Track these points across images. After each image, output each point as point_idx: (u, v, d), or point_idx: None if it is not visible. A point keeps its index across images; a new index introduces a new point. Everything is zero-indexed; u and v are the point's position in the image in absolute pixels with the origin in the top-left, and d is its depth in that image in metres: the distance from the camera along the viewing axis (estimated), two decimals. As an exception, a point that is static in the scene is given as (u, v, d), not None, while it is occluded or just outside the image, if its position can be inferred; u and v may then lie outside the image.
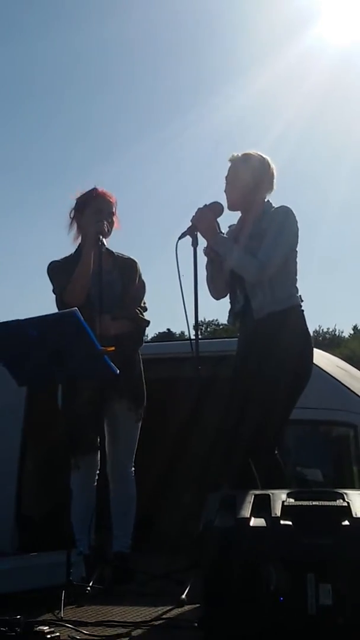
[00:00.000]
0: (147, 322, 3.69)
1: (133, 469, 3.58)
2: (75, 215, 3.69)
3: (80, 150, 79.26)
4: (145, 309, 3.70)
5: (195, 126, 74.41)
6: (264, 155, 3.38)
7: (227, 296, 3.44)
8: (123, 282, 3.65)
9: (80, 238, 3.66)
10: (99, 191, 3.69)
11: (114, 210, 3.67)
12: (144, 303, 3.72)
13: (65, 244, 3.71)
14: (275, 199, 3.38)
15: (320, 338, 50.64)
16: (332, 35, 66.65)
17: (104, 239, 3.52)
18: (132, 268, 3.72)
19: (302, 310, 3.27)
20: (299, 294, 3.28)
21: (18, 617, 2.42)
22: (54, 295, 3.60)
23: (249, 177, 3.32)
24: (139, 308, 3.66)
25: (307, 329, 3.28)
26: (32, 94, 76.94)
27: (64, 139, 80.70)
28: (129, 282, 3.68)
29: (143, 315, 3.67)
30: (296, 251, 3.31)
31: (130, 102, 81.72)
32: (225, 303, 3.45)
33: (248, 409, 3.15)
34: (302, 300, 3.28)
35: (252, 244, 3.25)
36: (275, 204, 3.35)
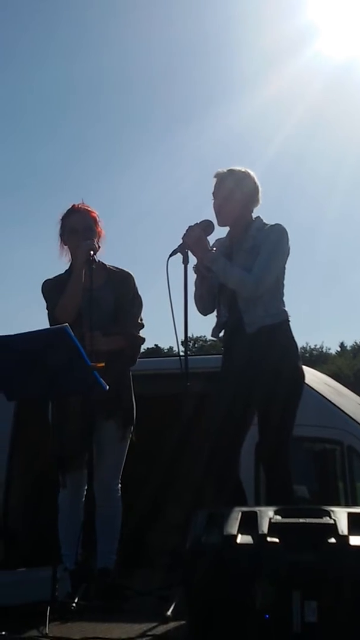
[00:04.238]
0: (142, 340, 3.63)
1: (119, 486, 3.58)
2: (61, 234, 3.67)
3: (79, 167, 79.32)
4: (142, 326, 3.63)
5: (194, 142, 75.00)
6: (248, 170, 3.41)
7: (214, 312, 3.47)
8: (115, 296, 3.59)
9: (67, 256, 3.66)
10: (75, 208, 3.65)
11: (94, 224, 3.62)
12: (141, 320, 3.64)
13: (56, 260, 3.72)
14: (271, 214, 3.44)
15: (307, 354, 50.84)
16: (329, 52, 67.77)
17: (95, 255, 3.52)
18: (126, 281, 3.66)
19: (289, 323, 3.35)
20: (285, 308, 3.36)
21: (3, 633, 2.42)
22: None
23: (238, 192, 3.35)
24: (135, 324, 3.59)
25: (296, 341, 3.37)
26: (27, 118, 77.52)
27: (61, 157, 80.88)
28: (122, 297, 3.61)
29: (139, 332, 3.62)
30: (285, 268, 3.37)
31: (127, 119, 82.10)
32: (213, 319, 3.48)
33: (265, 426, 3.23)
34: (289, 315, 3.35)
35: (246, 259, 3.29)
36: (272, 220, 3.39)
